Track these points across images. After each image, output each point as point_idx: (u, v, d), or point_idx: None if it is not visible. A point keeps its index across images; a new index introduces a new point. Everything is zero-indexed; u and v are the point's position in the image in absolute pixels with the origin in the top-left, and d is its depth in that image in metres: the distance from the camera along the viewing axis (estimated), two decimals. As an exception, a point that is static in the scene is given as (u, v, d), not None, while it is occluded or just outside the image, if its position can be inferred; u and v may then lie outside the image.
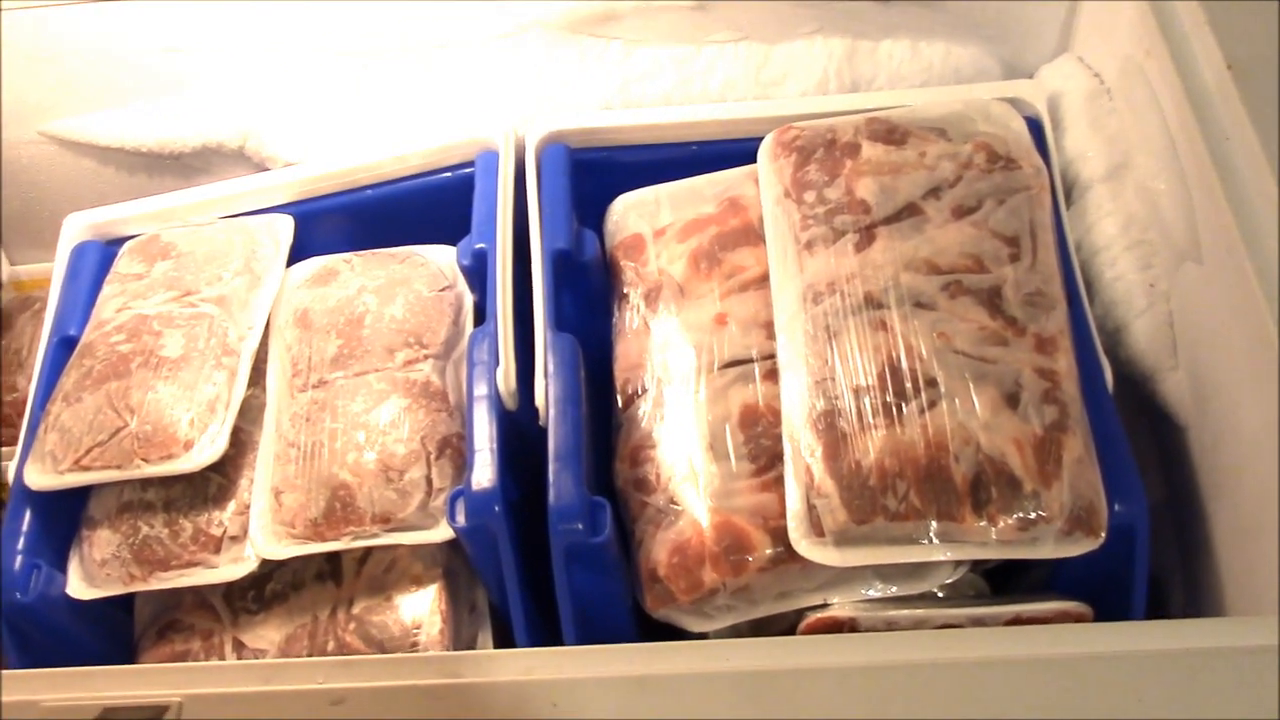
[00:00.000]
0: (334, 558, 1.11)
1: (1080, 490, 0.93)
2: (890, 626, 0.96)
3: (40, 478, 1.09)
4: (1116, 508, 0.95)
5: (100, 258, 1.29)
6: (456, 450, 1.09)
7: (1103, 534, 0.93)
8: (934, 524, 0.93)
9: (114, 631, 1.15)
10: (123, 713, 0.72)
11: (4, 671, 0.79)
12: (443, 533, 1.05)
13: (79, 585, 1.09)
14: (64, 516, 1.13)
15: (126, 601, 1.13)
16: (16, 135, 1.44)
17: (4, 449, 1.33)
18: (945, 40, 1.28)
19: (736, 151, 1.19)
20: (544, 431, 1.04)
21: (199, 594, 1.12)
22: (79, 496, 1.13)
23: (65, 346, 1.21)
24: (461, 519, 1.01)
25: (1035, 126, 1.14)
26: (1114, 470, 0.96)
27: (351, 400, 1.11)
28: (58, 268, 1.28)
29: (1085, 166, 1.15)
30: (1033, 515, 0.92)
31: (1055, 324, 0.99)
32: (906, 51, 1.28)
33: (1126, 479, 0.97)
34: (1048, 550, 0.93)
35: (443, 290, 1.20)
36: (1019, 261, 1.02)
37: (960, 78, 1.28)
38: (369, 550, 1.10)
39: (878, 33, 1.28)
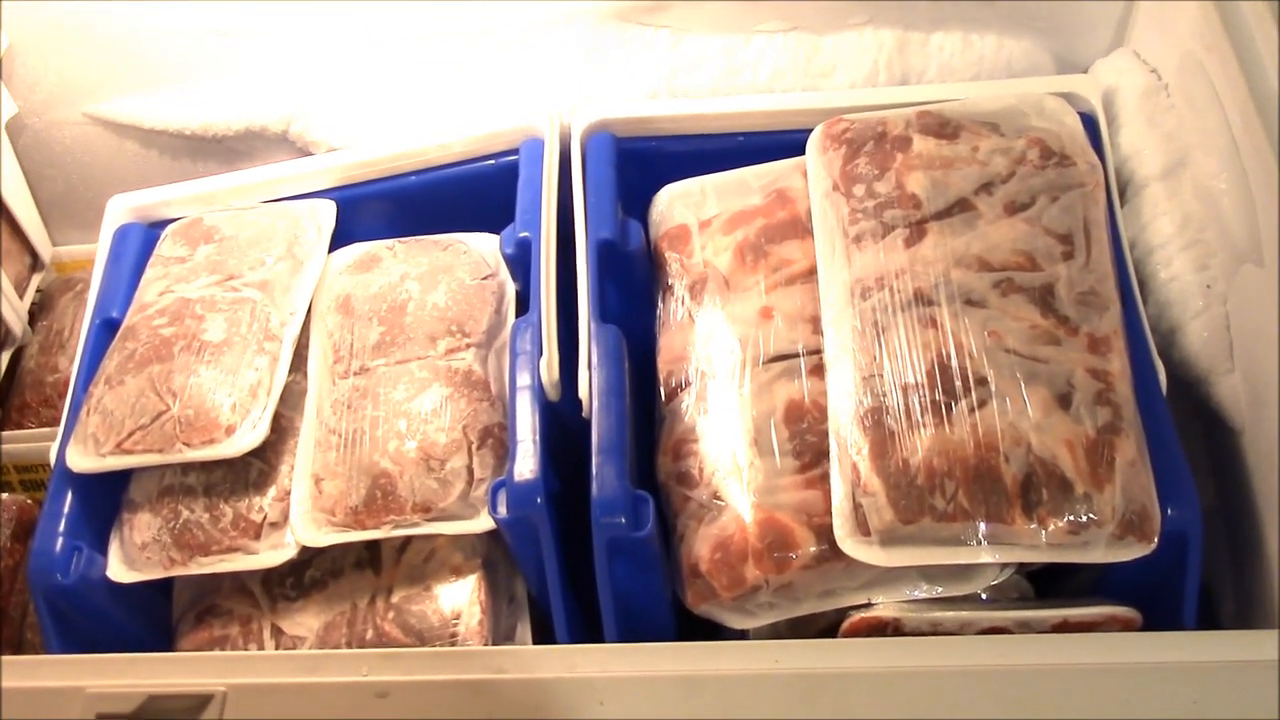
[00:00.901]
0: (373, 546, 1.10)
1: (1133, 494, 0.91)
2: (935, 628, 0.95)
3: (82, 460, 1.09)
4: (1169, 512, 0.93)
5: (143, 240, 1.28)
6: (498, 440, 1.08)
7: (1155, 539, 0.91)
8: (983, 525, 0.91)
9: (153, 615, 1.15)
10: (167, 701, 0.72)
11: (50, 656, 0.79)
12: (483, 523, 1.04)
13: (119, 568, 1.09)
14: (105, 499, 1.13)
15: (166, 585, 1.13)
16: (62, 116, 1.45)
17: (45, 430, 1.33)
18: (997, 33, 1.26)
19: (784, 143, 1.17)
20: (586, 423, 1.03)
21: (238, 579, 1.12)
22: (120, 479, 1.13)
23: (107, 329, 1.21)
24: (503, 510, 1.01)
25: (1090, 122, 1.13)
26: (1167, 474, 0.94)
27: (393, 388, 1.10)
28: (100, 250, 1.28)
29: (1141, 164, 1.13)
30: (1084, 519, 0.90)
31: (1109, 324, 0.98)
32: (958, 44, 1.26)
33: (1180, 483, 0.95)
34: (1099, 555, 0.91)
35: (485, 278, 1.19)
36: (1072, 260, 1.00)
37: (1012, 71, 1.26)
38: (409, 539, 1.09)
39: (928, 25, 1.27)
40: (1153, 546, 0.91)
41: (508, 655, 0.76)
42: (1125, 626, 0.95)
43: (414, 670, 0.74)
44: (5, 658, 0.79)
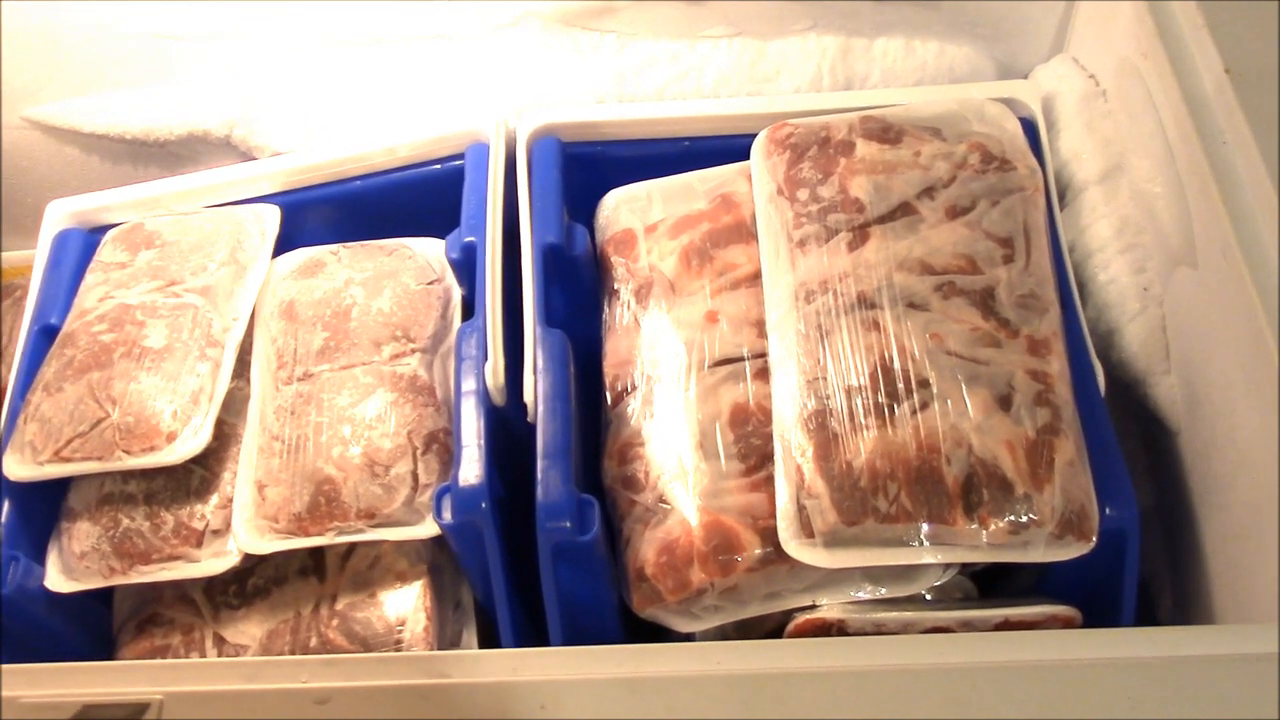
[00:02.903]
0: (317, 553, 1.09)
1: (1072, 494, 0.92)
2: (879, 629, 0.95)
3: (19, 468, 1.07)
4: (1108, 512, 0.95)
5: (83, 246, 1.27)
6: (443, 445, 1.08)
7: (1094, 538, 0.92)
8: (925, 526, 0.92)
9: (92, 625, 1.13)
10: (102, 710, 0.71)
11: (-21, 668, 0.78)
12: (428, 529, 1.04)
13: (57, 578, 1.08)
14: (43, 508, 1.11)
15: (105, 595, 1.12)
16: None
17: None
18: (939, 39, 1.27)
19: (729, 148, 1.18)
20: (532, 427, 1.03)
21: (180, 588, 1.11)
22: (59, 488, 1.11)
23: (46, 335, 1.19)
24: (448, 515, 1.00)
25: (1030, 127, 1.14)
26: (1105, 474, 0.96)
27: (337, 394, 1.09)
28: (39, 255, 1.26)
29: (1080, 168, 1.15)
30: (1024, 519, 0.91)
31: (1048, 326, 0.99)
32: (900, 50, 1.27)
33: (1118, 483, 0.97)
34: (1039, 554, 0.92)
35: (431, 283, 1.19)
36: (1012, 263, 1.01)
37: (954, 77, 1.27)
38: (353, 546, 1.08)
39: (871, 30, 1.27)
40: (1091, 545, 0.92)
41: (450, 660, 0.75)
42: (1066, 624, 0.97)
43: (355, 676, 0.73)
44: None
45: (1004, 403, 0.95)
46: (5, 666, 0.76)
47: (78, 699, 0.72)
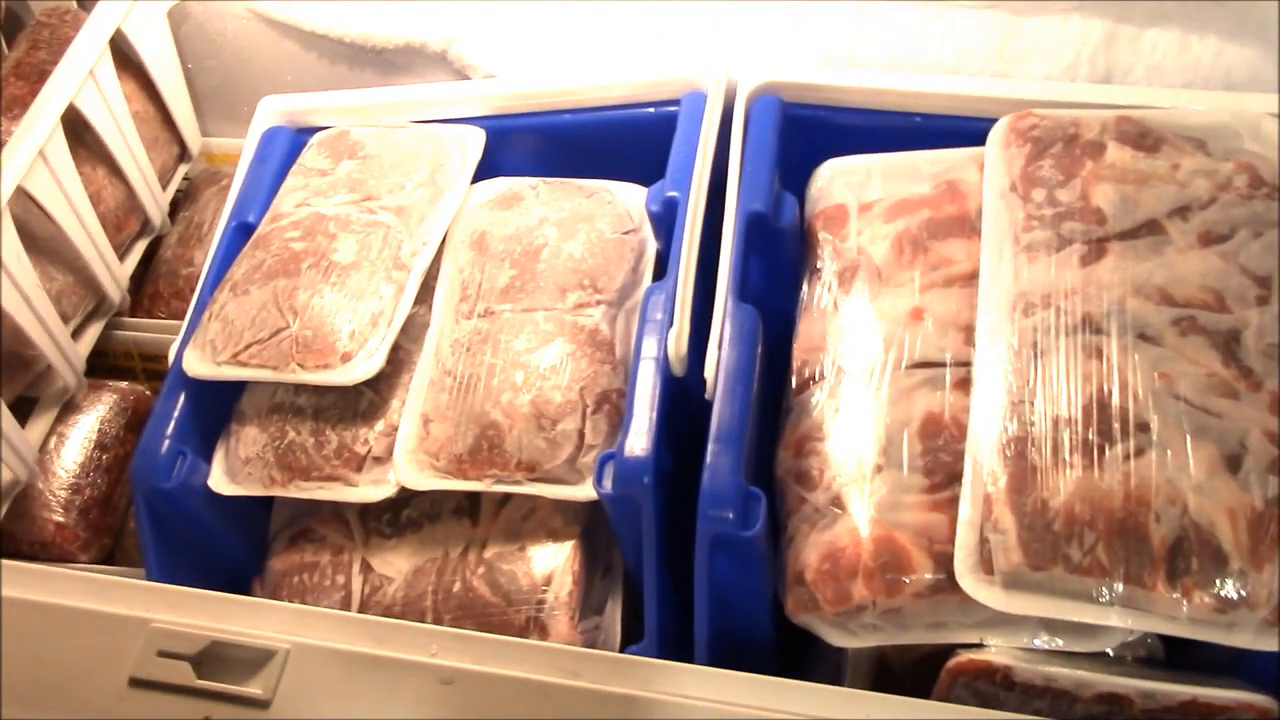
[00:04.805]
0: (474, 495, 1.07)
1: (1294, 579, 0.82)
2: (1049, 684, 0.88)
3: (198, 365, 1.08)
4: (1332, 603, 0.84)
5: (290, 145, 1.27)
6: (615, 407, 1.03)
7: (1312, 633, 0.82)
8: (1119, 585, 0.84)
9: (250, 527, 1.14)
10: (230, 649, 0.70)
11: (122, 579, 0.77)
12: (586, 491, 1.00)
13: (221, 479, 1.09)
14: (217, 406, 1.12)
15: (266, 499, 1.12)
16: (226, 8, 1.43)
17: (173, 322, 1.33)
18: (1220, 37, 1.15)
19: (965, 130, 1.10)
20: (709, 403, 0.97)
21: (336, 507, 1.10)
22: (233, 389, 1.12)
23: (242, 232, 1.19)
24: (609, 485, 0.96)
25: (1310, 152, 1.01)
26: (1335, 561, 0.85)
27: (516, 336, 1.06)
28: (247, 150, 1.27)
29: (1361, 207, 1.02)
30: (1234, 597, 0.82)
31: (1297, 384, 0.88)
32: (1173, 44, 1.15)
33: (1348, 573, 0.86)
34: (1245, 640, 0.83)
35: (626, 233, 1.14)
36: (1267, 305, 0.91)
37: (1230, 82, 1.15)
38: (509, 494, 1.05)
39: (1143, 19, 1.16)
40: (1309, 640, 0.82)
41: (584, 659, 0.71)
42: (1261, 716, 0.87)
43: (485, 659, 0.70)
44: (68, 573, 0.78)
45: (1232, 463, 0.85)
46: (146, 585, 0.75)
47: (208, 634, 0.71)
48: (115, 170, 1.35)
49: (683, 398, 1.03)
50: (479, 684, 0.69)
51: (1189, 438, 0.86)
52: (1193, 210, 0.95)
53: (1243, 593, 0.82)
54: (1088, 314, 0.91)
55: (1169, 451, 0.85)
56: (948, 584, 0.88)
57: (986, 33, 1.17)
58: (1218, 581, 0.82)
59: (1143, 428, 0.86)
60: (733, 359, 0.98)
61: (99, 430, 1.30)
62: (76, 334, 1.32)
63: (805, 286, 1.07)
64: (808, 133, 1.14)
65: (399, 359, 1.10)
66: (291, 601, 1.04)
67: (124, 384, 1.34)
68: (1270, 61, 1.15)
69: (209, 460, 1.10)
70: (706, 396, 0.98)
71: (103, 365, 1.40)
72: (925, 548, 0.90)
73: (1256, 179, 0.96)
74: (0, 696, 0.73)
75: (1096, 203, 0.96)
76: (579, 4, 1.28)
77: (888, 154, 1.10)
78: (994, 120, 1.06)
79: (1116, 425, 0.87)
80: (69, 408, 1.30)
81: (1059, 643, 0.89)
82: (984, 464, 0.89)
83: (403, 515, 1.09)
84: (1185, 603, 0.83)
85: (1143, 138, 1.00)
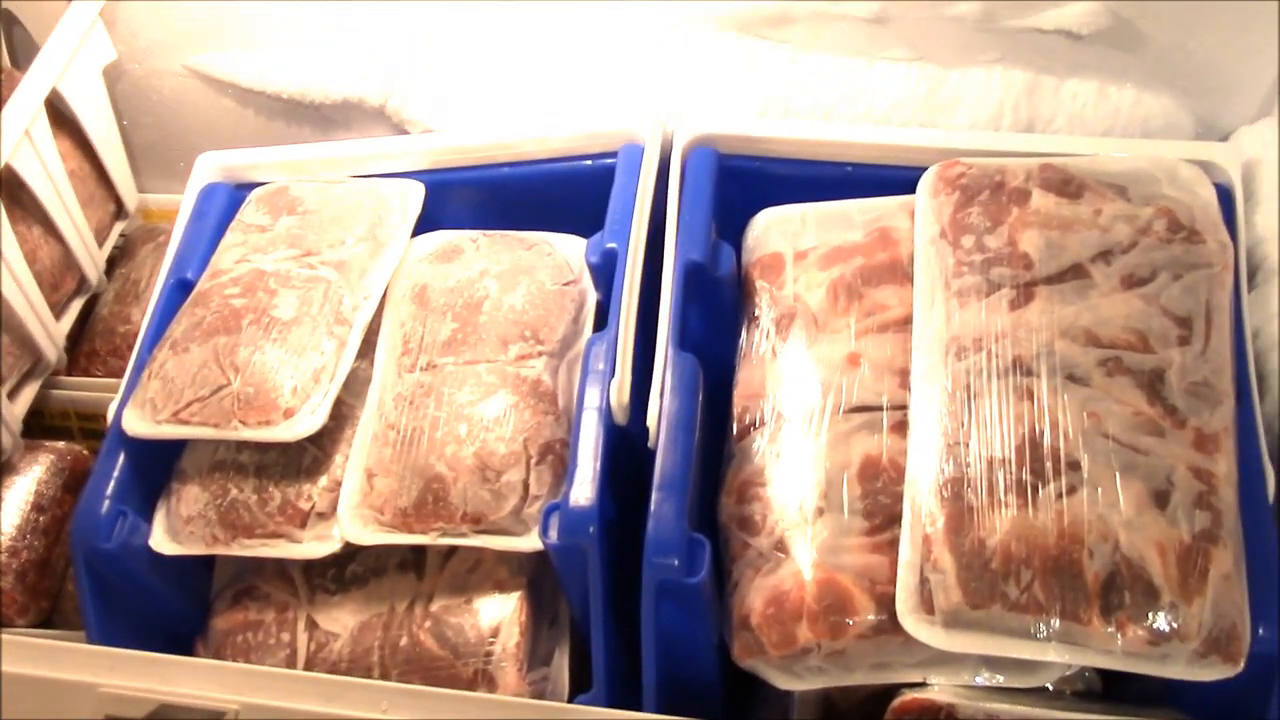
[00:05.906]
0: (419, 548, 1.07)
1: (1223, 610, 0.85)
2: (990, 720, 0.89)
3: (138, 424, 1.07)
4: (1260, 633, 0.87)
5: (228, 201, 1.27)
6: (559, 457, 1.04)
7: (1241, 662, 0.85)
8: (1056, 621, 0.86)
9: (192, 586, 1.13)
10: (179, 712, 0.69)
11: (69, 645, 0.77)
12: (532, 542, 1.01)
13: (163, 539, 1.08)
14: (157, 465, 1.11)
15: (208, 558, 1.11)
16: (163, 65, 1.43)
17: (111, 380, 1.32)
18: (1137, 87, 1.19)
19: (895, 179, 1.12)
20: (651, 451, 0.98)
21: (280, 563, 1.09)
22: (174, 447, 1.11)
23: (181, 289, 1.19)
24: (554, 535, 0.97)
25: (1225, 196, 1.05)
26: (1262, 592, 0.88)
27: (459, 389, 1.07)
28: (184, 206, 1.27)
29: (1275, 249, 1.06)
30: (1166, 629, 0.84)
31: (1220, 420, 0.91)
32: (1093, 94, 1.19)
33: (1274, 603, 0.88)
34: (1177, 670, 0.85)
35: (567, 285, 1.15)
36: (1188, 345, 0.93)
37: (1148, 130, 1.19)
38: (455, 546, 1.06)
39: (1064, 70, 1.20)
40: (1238, 669, 0.85)
41: (534, 711, 0.72)
42: (1196, 747, 0.90)
43: (437, 711, 0.70)
44: (15, 639, 0.77)
45: (1160, 499, 0.88)
46: (92, 649, 0.75)
47: (156, 697, 0.71)
48: (51, 229, 1.34)
49: (625, 447, 1.04)
50: (430, 739, 0.69)
51: (1118, 475, 0.88)
52: (1115, 254, 0.98)
53: (1174, 625, 0.84)
54: (1018, 356, 0.94)
55: (1099, 489, 0.88)
56: (890, 624, 0.89)
57: (915, 83, 1.20)
58: (1150, 615, 0.84)
59: (1073, 466, 0.89)
60: (674, 407, 1.00)
61: (36, 492, 1.28)
62: (12, 394, 1.31)
63: (744, 334, 1.09)
64: (743, 183, 1.16)
65: (342, 414, 1.09)
66: (236, 660, 1.03)
67: (61, 444, 1.33)
68: (1184, 109, 1.19)
69: (150, 520, 1.09)
70: (649, 445, 0.99)
71: (39, 425, 1.38)
72: (867, 589, 0.91)
73: (1175, 223, 0.99)
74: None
75: (1023, 248, 0.99)
76: (515, 59, 1.29)
77: (821, 203, 1.12)
78: (923, 169, 1.08)
79: (1049, 464, 0.89)
80: (5, 469, 1.28)
81: (1000, 679, 0.91)
82: (922, 505, 0.91)
83: (348, 571, 1.08)
84: (1119, 636, 0.85)
85: (1066, 184, 1.03)
